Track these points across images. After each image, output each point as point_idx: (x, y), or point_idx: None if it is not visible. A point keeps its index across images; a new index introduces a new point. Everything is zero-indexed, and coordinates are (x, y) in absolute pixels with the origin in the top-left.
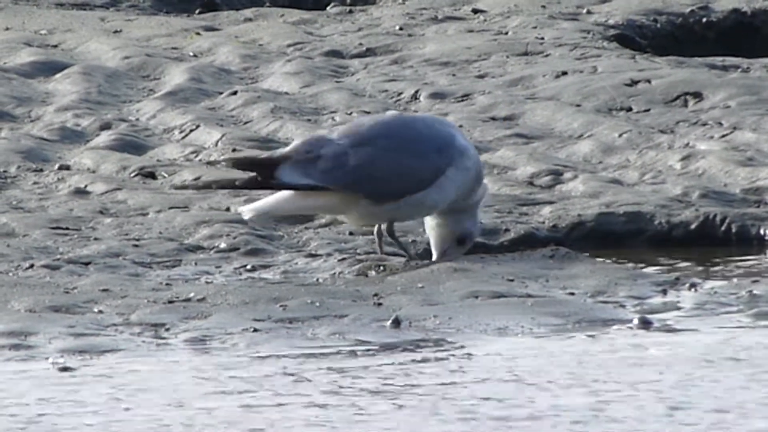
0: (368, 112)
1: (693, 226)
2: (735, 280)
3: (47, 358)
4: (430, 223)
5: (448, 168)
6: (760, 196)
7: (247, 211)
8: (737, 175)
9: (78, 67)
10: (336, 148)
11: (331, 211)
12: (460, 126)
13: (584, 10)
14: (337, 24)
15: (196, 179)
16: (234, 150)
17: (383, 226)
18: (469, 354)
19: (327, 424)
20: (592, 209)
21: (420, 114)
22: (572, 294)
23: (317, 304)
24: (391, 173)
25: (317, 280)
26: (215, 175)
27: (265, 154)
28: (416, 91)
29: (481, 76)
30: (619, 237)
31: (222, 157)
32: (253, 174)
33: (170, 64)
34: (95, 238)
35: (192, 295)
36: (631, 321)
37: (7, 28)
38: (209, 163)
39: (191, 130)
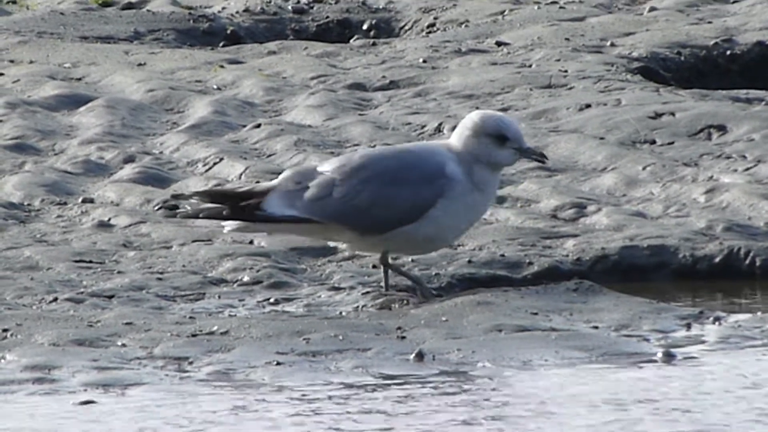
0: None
1: (717, 260)
2: (759, 313)
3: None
4: None
5: (439, 200)
6: None
7: (230, 227)
8: (761, 208)
9: (102, 100)
10: (323, 181)
11: (318, 239)
12: None
13: (608, 43)
14: (360, 57)
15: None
16: (258, 182)
17: (376, 257)
18: (494, 388)
19: None
20: (615, 242)
21: (415, 143)
22: (596, 327)
23: (340, 337)
24: (374, 206)
25: (340, 313)
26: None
27: (245, 186)
28: (440, 124)
29: (505, 109)
30: (643, 270)
31: (197, 189)
32: (240, 204)
33: (194, 97)
34: (119, 272)
35: (215, 328)
36: (655, 354)
37: (32, 62)
38: (174, 196)
39: (215, 163)
